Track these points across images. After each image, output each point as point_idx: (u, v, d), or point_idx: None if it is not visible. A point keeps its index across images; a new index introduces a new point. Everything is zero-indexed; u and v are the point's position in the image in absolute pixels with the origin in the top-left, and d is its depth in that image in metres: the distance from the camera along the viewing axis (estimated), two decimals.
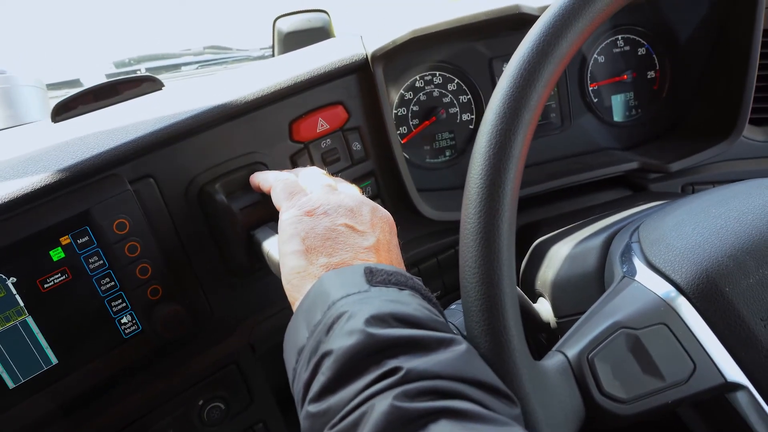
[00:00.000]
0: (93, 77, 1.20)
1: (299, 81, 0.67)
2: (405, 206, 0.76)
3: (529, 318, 0.63)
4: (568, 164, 0.87)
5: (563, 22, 0.44)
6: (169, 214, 0.63)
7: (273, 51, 1.09)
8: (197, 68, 1.24)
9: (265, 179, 0.61)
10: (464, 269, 0.44)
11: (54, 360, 0.59)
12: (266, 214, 0.64)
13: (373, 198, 0.74)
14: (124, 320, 0.62)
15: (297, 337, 0.43)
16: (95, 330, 0.60)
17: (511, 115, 0.44)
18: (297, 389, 0.42)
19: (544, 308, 0.65)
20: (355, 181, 0.73)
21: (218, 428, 0.66)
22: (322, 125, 0.70)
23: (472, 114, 0.88)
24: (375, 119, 0.72)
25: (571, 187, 0.84)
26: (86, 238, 0.59)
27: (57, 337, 0.58)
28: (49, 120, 0.74)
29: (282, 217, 0.52)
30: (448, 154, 0.88)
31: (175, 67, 1.24)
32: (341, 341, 0.38)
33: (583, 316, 0.50)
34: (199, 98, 0.66)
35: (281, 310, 0.71)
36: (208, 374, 0.67)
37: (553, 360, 0.47)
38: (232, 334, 0.68)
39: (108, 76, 1.23)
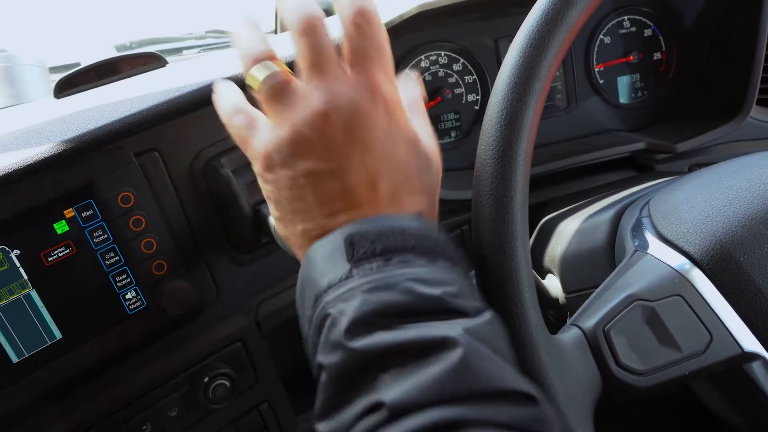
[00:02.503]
0: (93, 60, 1.19)
1: None
2: None
3: (538, 294, 0.61)
4: (574, 145, 0.86)
5: None
6: (174, 189, 0.61)
7: (276, 32, 1.07)
8: (199, 52, 1.23)
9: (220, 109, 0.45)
10: (478, 241, 0.43)
11: (58, 334, 0.57)
12: None
13: None
14: (128, 296, 0.60)
15: (302, 323, 0.38)
16: (100, 305, 0.59)
17: (522, 84, 0.42)
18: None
19: (552, 284, 0.63)
20: None
21: (223, 406, 0.65)
22: None
23: (477, 95, 0.86)
24: None
25: (577, 167, 0.82)
26: (90, 212, 0.57)
27: (61, 312, 0.57)
28: (52, 97, 0.72)
29: (248, 154, 0.42)
30: (453, 135, 0.87)
31: (177, 50, 1.22)
32: (329, 357, 0.32)
33: (597, 290, 0.49)
34: (203, 73, 0.65)
35: (287, 288, 0.69)
36: (213, 351, 0.65)
37: (568, 333, 0.46)
38: (238, 311, 0.67)
39: None
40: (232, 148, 0.63)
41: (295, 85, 0.40)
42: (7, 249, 0.54)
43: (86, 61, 1.24)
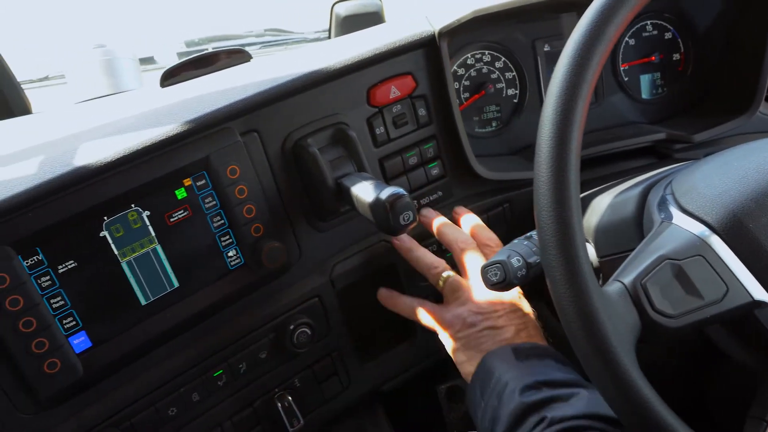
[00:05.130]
0: (165, 55, 1.29)
1: (378, 52, 0.74)
2: (461, 166, 0.83)
3: None
4: (601, 135, 0.94)
5: None
6: (268, 164, 0.70)
7: (329, 33, 1.16)
8: (259, 48, 1.31)
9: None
10: (540, 208, 0.51)
11: (176, 283, 0.67)
12: (350, 166, 0.72)
13: (433, 159, 0.82)
14: (230, 253, 0.70)
15: (474, 397, 0.63)
16: (207, 260, 0.68)
17: (576, 76, 0.51)
18: (482, 427, 0.61)
19: (588, 251, 0.72)
20: (419, 143, 0.80)
21: (305, 351, 0.74)
22: (394, 92, 0.77)
23: (516, 89, 0.95)
24: (439, 89, 0.80)
25: (604, 155, 0.91)
26: (203, 182, 0.67)
27: (178, 265, 0.66)
28: (157, 86, 0.81)
29: (446, 315, 0.70)
30: (494, 125, 0.95)
31: (239, 47, 1.31)
32: (507, 406, 0.57)
33: (633, 253, 0.57)
34: (288, 68, 0.74)
35: (356, 252, 0.78)
36: (296, 305, 0.74)
37: (612, 287, 0.54)
38: (316, 270, 0.76)
39: (179, 54, 1.31)
40: (316, 131, 0.72)
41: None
42: (141, 210, 0.63)
43: (158, 55, 1.34)
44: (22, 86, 1.01)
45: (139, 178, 0.62)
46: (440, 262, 0.74)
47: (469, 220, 0.80)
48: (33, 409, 0.61)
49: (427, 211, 0.81)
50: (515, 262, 0.61)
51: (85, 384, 0.63)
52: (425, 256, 0.75)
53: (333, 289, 0.77)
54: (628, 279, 0.54)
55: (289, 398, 0.75)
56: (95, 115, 0.75)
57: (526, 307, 0.69)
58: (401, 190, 0.63)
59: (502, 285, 0.61)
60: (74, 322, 0.61)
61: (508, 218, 0.88)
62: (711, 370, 0.69)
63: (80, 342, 0.62)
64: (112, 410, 0.65)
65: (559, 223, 0.49)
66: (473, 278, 0.70)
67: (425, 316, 0.73)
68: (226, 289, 0.69)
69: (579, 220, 0.50)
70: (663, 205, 0.65)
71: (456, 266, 0.74)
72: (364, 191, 0.65)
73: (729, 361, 0.63)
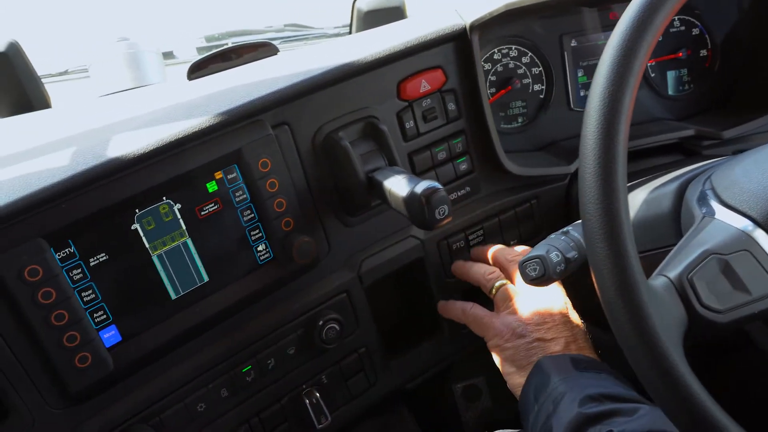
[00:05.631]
0: (185, 50, 1.28)
1: (409, 46, 0.72)
2: (489, 161, 0.82)
3: None
4: (630, 131, 0.93)
5: None
6: (299, 158, 0.69)
7: (350, 29, 1.14)
8: (279, 44, 1.30)
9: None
10: (586, 200, 0.50)
11: (206, 278, 0.66)
12: (381, 160, 0.70)
13: (462, 154, 0.80)
14: (260, 248, 0.69)
15: (527, 400, 0.61)
16: (237, 255, 0.67)
17: (626, 58, 0.49)
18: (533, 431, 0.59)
19: None
20: (448, 137, 0.79)
21: (333, 347, 0.73)
22: (424, 86, 0.76)
23: (542, 84, 0.93)
24: (468, 82, 0.78)
25: (630, 152, 0.89)
26: (234, 175, 0.65)
27: (208, 259, 0.65)
28: (183, 79, 0.80)
29: (496, 323, 0.69)
30: (520, 120, 0.94)
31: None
32: (564, 415, 0.55)
33: (675, 248, 0.56)
34: (317, 61, 0.72)
35: (384, 248, 0.77)
36: (324, 300, 0.73)
37: (658, 281, 0.53)
38: (344, 266, 0.75)
39: (199, 49, 1.30)
40: (347, 125, 0.71)
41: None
42: (172, 203, 0.62)
43: (178, 50, 1.33)
44: (42, 80, 1.00)
45: (171, 170, 0.61)
46: (494, 270, 0.74)
47: (497, 247, 0.80)
48: (63, 404, 0.60)
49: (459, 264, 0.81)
50: (554, 257, 0.60)
51: (115, 379, 0.62)
52: (479, 265, 0.76)
53: (361, 285, 0.75)
54: (673, 273, 0.53)
55: (317, 395, 0.73)
56: (123, 108, 0.74)
57: (576, 318, 0.68)
58: (437, 184, 0.61)
59: (541, 280, 0.60)
60: (105, 316, 0.60)
61: (536, 214, 0.87)
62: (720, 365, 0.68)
63: (110, 336, 0.61)
64: (141, 406, 0.64)
65: (608, 215, 0.48)
66: (525, 289, 0.70)
67: (475, 321, 0.72)
68: (255, 283, 0.68)
69: (627, 212, 0.49)
70: (703, 200, 0.63)
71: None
72: (398, 185, 0.64)
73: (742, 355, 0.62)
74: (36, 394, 0.58)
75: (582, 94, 0.95)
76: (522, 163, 0.83)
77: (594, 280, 0.50)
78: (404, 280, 0.83)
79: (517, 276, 0.71)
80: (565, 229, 0.65)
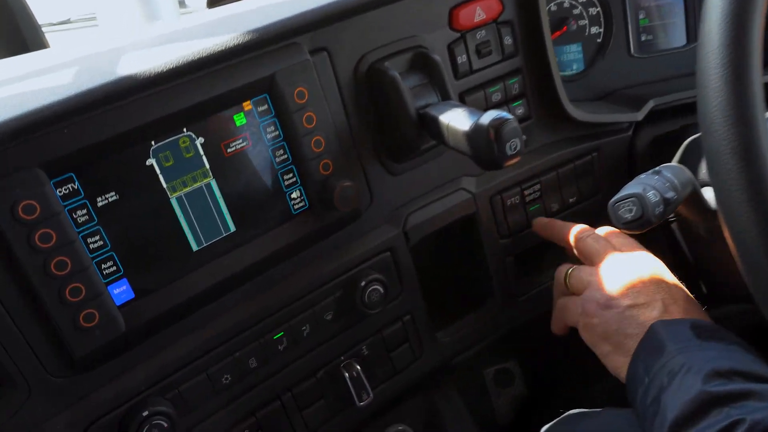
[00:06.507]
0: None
1: None
2: (548, 106, 0.72)
3: (698, 203, 0.59)
4: None
5: None
6: (339, 90, 0.59)
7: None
8: None
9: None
10: (709, 109, 0.40)
11: (232, 227, 0.56)
12: (433, 95, 0.61)
13: (518, 96, 0.71)
14: (293, 195, 0.59)
15: (637, 373, 0.51)
16: (268, 202, 0.57)
17: None
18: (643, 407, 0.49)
19: (710, 195, 0.61)
20: (504, 77, 0.69)
21: (377, 312, 0.63)
22: (479, 14, 0.66)
23: (600, 27, 0.83)
24: (528, 14, 0.68)
25: None
26: (265, 107, 0.56)
27: (236, 205, 0.56)
28: (203, 9, 0.70)
29: (577, 303, 0.59)
30: (574, 67, 0.84)
31: None
32: (684, 392, 0.44)
33: None
34: None
35: (435, 200, 0.67)
36: (365, 259, 0.63)
37: None
38: (388, 220, 0.65)
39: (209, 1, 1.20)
40: (394, 53, 0.61)
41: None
42: (194, 136, 0.52)
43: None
44: (43, 29, 0.91)
45: (192, 96, 0.51)
46: (584, 227, 0.65)
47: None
48: (66, 372, 0.50)
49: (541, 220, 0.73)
50: (652, 196, 0.50)
51: (127, 343, 0.52)
52: (563, 223, 0.68)
53: (406, 243, 0.66)
54: None
55: (358, 367, 0.64)
56: (136, 35, 0.64)
57: (670, 276, 0.57)
58: (506, 114, 0.52)
59: (638, 223, 0.50)
60: (114, 268, 0.51)
61: (596, 169, 0.77)
62: None
63: (121, 292, 0.51)
64: (158, 376, 0.54)
65: (744, 126, 0.38)
66: (600, 262, 0.60)
67: (559, 310, 0.64)
68: (288, 236, 0.58)
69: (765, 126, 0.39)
70: None
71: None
72: (458, 119, 0.54)
73: None
74: (32, 359, 0.48)
75: (643, 38, 0.84)
76: (584, 110, 0.73)
77: (721, 212, 0.40)
78: (452, 240, 0.73)
79: (589, 247, 0.62)
80: (657, 168, 0.55)
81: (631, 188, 0.51)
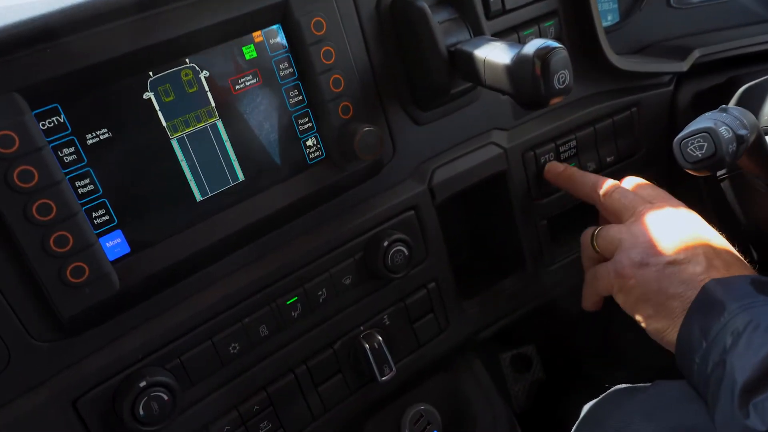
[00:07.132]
0: None
1: None
2: (587, 54, 0.65)
3: (762, 151, 0.52)
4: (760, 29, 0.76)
5: None
6: (359, 24, 0.53)
7: None
8: None
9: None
10: None
11: (240, 176, 0.50)
12: (465, 32, 0.54)
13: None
14: (309, 142, 0.52)
15: (692, 336, 0.44)
16: (281, 148, 0.51)
17: None
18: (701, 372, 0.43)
19: None
20: (539, 19, 0.63)
21: (399, 276, 0.56)
22: None
23: None
24: None
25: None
26: (277, 40, 0.49)
27: (244, 151, 0.49)
28: None
29: (609, 266, 0.53)
30: (610, 18, 0.77)
31: None
32: (753, 352, 0.39)
33: None
34: None
35: (463, 154, 0.61)
36: (387, 217, 0.57)
37: None
38: (412, 175, 0.59)
39: None
40: None
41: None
42: (197, 68, 0.46)
43: None
44: None
45: (195, 20, 0.45)
46: (609, 181, 0.58)
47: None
48: (51, 335, 0.44)
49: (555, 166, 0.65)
50: (724, 132, 0.43)
51: (121, 304, 0.46)
52: (584, 174, 0.61)
53: (432, 201, 0.59)
54: None
55: (379, 338, 0.57)
56: None
57: (710, 229, 0.51)
58: (554, 42, 0.45)
59: (710, 162, 0.43)
60: (107, 217, 0.44)
61: (636, 125, 0.70)
62: None
63: (115, 245, 0.45)
64: (156, 343, 0.48)
65: None
66: (630, 218, 0.53)
67: (589, 281, 0.58)
68: (303, 188, 0.52)
69: None
70: None
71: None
72: (496, 52, 0.48)
73: None
74: (12, 319, 0.42)
75: None
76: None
77: None
78: (479, 201, 0.66)
79: (617, 201, 0.55)
80: (722, 106, 0.48)
81: (700, 123, 0.45)
